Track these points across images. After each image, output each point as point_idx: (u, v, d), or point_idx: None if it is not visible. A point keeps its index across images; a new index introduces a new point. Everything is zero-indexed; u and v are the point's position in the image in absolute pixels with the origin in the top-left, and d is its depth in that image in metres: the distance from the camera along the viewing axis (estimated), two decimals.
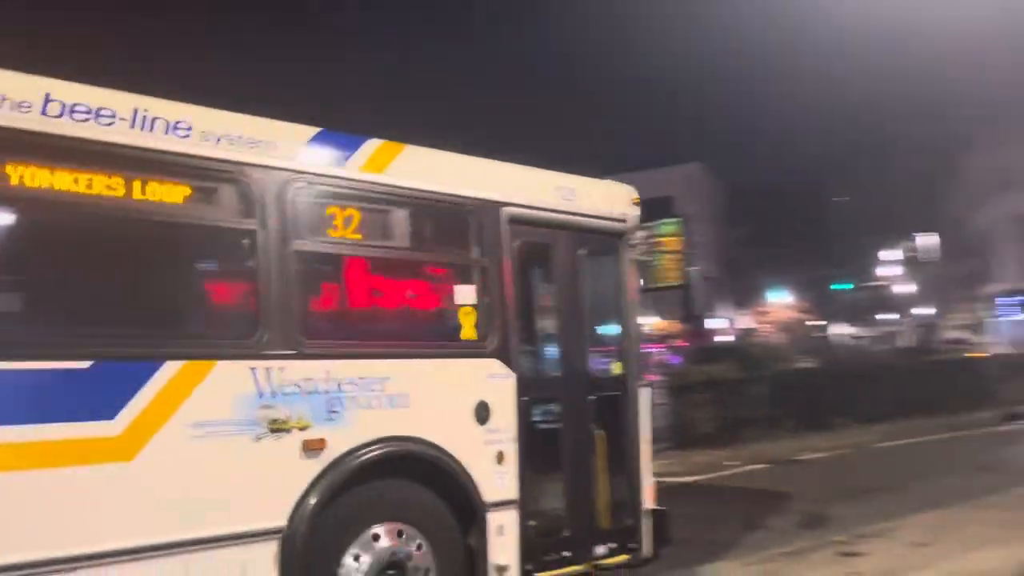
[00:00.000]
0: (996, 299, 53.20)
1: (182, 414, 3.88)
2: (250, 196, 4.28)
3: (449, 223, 5.29)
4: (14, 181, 3.61)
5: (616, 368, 6.11)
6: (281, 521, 4.15)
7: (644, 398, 6.13)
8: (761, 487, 10.97)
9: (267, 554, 4.08)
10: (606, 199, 6.05)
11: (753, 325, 53.82)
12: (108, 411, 3.69)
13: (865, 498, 9.57)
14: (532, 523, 5.23)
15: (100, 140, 3.81)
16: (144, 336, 4.04)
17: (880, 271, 49.78)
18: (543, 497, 5.50)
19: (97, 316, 4.01)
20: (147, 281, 4.20)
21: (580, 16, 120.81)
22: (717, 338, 51.45)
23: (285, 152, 4.42)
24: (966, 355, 22.19)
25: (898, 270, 49.34)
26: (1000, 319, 52.58)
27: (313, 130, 4.63)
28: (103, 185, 3.86)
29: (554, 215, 5.63)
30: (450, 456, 4.81)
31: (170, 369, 3.88)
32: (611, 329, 6.24)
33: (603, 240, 6.01)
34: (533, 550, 5.21)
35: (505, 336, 5.18)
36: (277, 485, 4.17)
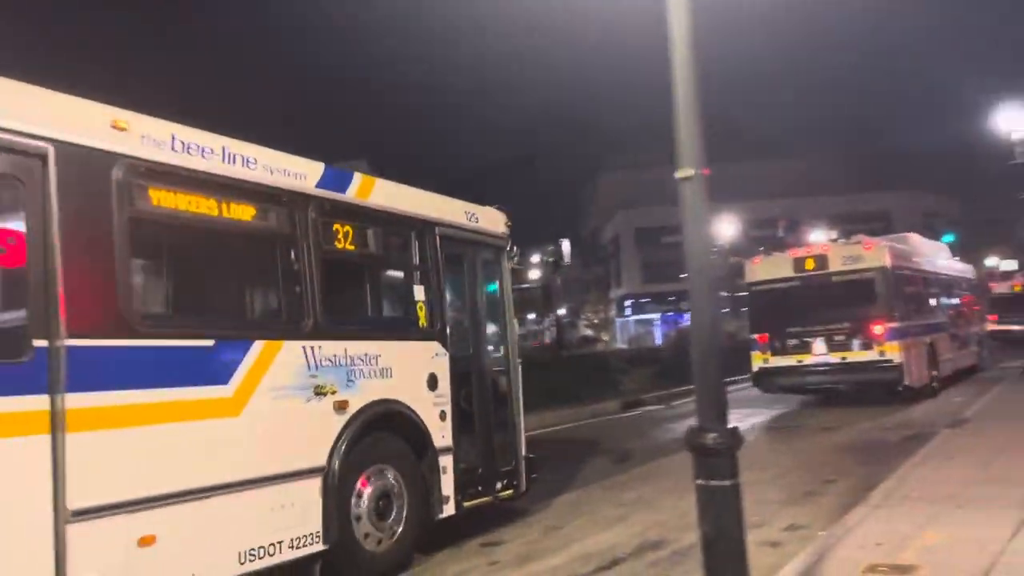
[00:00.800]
0: (622, 301, 60.71)
1: (266, 380, 5.33)
2: (294, 214, 5.79)
3: (407, 238, 6.96)
4: (155, 202, 4.89)
5: (502, 350, 8.07)
6: (323, 461, 5.69)
7: (519, 373, 8.06)
8: None
9: (316, 486, 5.60)
10: (492, 220, 7.98)
11: None
12: (224, 378, 5.07)
13: None
14: (462, 465, 7.08)
15: (206, 171, 5.16)
16: (243, 321, 5.86)
17: (532, 275, 53.74)
18: (465, 446, 7.25)
19: (214, 305, 5.81)
20: (239, 278, 6.03)
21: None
22: None
23: (311, 182, 5.97)
24: (596, 350, 24.66)
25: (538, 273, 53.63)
26: (623, 319, 60.25)
27: (323, 166, 6.14)
28: (205, 205, 5.18)
29: (466, 233, 7.55)
30: (415, 414, 6.59)
31: (258, 347, 5.31)
32: (497, 319, 8.09)
33: (493, 252, 8.00)
34: (461, 485, 7.03)
35: (443, 324, 7.03)
36: (320, 435, 5.72)
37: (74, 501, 4.13)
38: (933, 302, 18.32)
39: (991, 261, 53.33)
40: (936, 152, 68.63)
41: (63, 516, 4.08)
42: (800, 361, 15.72)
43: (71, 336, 4.20)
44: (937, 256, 20.41)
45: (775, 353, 16.03)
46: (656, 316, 56.28)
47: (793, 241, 30.80)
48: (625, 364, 23.39)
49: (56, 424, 4.11)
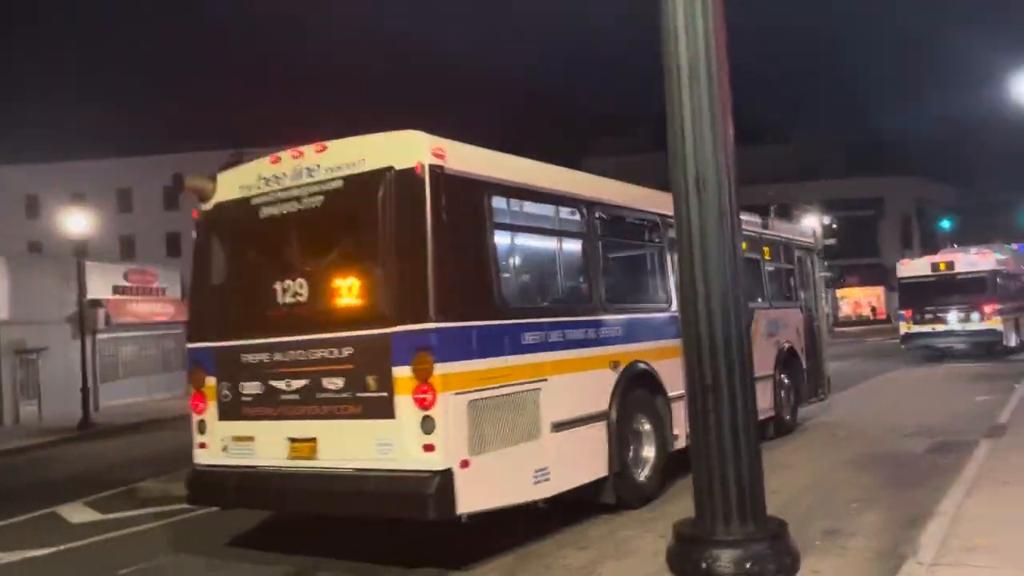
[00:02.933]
0: None
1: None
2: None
3: (790, 253, 12.75)
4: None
5: (818, 311, 13.81)
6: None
7: (824, 323, 14.30)
8: None
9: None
10: (813, 235, 14.59)
11: None
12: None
13: None
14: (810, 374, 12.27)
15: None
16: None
17: None
18: (810, 366, 12.41)
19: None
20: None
21: None
22: None
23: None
24: None
25: None
26: None
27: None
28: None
29: (806, 243, 13.63)
30: (797, 346, 11.68)
31: None
32: (815, 293, 13.71)
33: (814, 253, 13.93)
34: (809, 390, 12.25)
35: (802, 297, 12.73)
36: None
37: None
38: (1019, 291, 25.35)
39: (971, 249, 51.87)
40: (929, 139, 67.08)
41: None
42: (934, 328, 22.97)
43: None
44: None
45: (916, 323, 23.25)
46: None
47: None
48: None
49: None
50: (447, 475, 5.53)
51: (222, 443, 6.70)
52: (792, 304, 11.97)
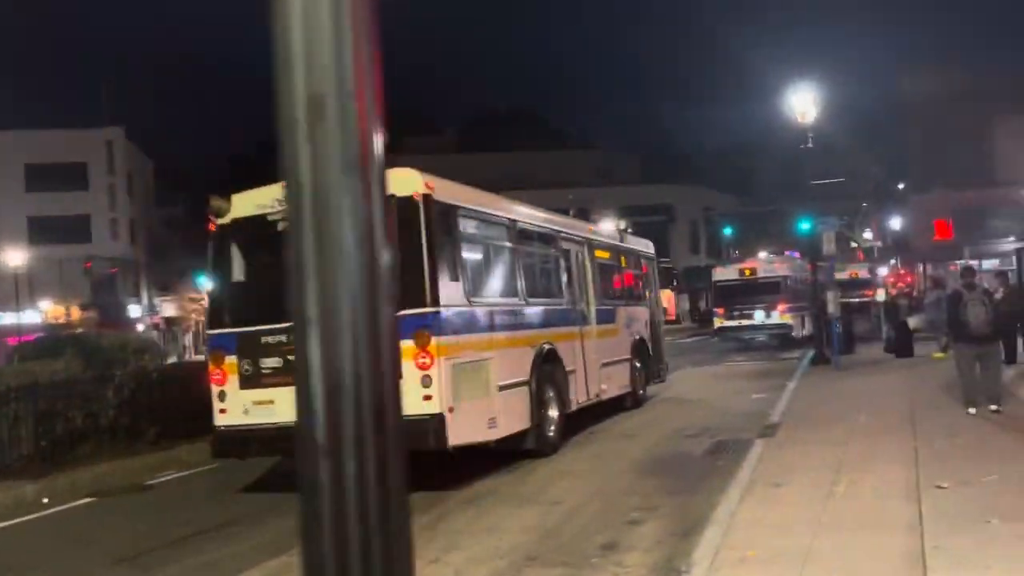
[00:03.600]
0: None
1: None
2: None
3: (637, 259, 15.55)
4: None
5: (660, 308, 19.08)
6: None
7: (663, 318, 18.65)
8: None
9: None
10: (650, 246, 16.42)
11: (179, 312, 49.39)
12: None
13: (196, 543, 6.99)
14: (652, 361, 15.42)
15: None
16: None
17: None
18: (656, 353, 15.58)
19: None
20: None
21: None
22: (140, 327, 45.94)
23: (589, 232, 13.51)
24: None
25: None
26: None
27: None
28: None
29: (650, 254, 16.35)
30: (646, 337, 14.55)
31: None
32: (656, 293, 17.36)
33: (654, 261, 17.21)
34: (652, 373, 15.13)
35: (646, 296, 15.61)
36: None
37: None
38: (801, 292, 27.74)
39: (762, 255, 56.32)
40: (717, 151, 72.15)
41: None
42: (740, 323, 26.72)
43: None
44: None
45: (727, 319, 26.85)
46: None
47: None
48: None
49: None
50: (441, 417, 7.73)
51: (243, 407, 8.47)
52: (642, 303, 15.06)
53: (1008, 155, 30.65)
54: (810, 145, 18.82)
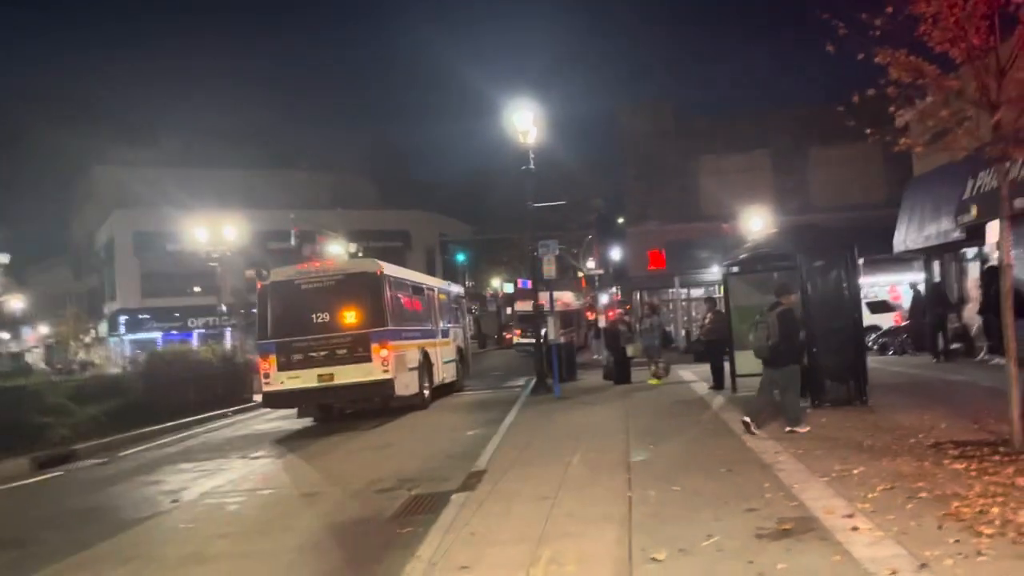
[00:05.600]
0: (119, 318, 51.19)
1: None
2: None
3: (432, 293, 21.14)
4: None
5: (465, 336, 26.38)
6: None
7: (468, 344, 27.86)
8: None
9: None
10: (456, 286, 25.66)
11: None
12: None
13: None
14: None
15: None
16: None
17: None
18: (463, 365, 24.10)
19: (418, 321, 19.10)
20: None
21: None
22: None
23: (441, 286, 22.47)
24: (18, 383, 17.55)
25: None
26: (117, 338, 50.76)
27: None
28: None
29: (455, 292, 24.50)
30: (428, 351, 19.00)
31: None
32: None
33: (458, 297, 24.81)
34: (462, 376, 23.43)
35: (450, 328, 22.47)
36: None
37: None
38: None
39: (496, 283, 56.97)
40: (452, 180, 72.61)
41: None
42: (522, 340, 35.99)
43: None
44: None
45: (523, 337, 34.02)
46: (158, 335, 48.24)
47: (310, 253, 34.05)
48: (67, 399, 17.00)
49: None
50: (391, 380, 15.43)
51: (280, 380, 15.61)
52: (459, 325, 23.02)
53: (710, 192, 32.94)
54: (531, 167, 18.14)
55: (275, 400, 15.85)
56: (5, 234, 56.53)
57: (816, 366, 11.49)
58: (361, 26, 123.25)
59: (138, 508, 9.46)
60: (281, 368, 15.41)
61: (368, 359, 15.24)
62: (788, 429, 9.49)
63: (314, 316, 15.55)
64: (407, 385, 16.17)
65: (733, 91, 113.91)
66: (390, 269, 16.94)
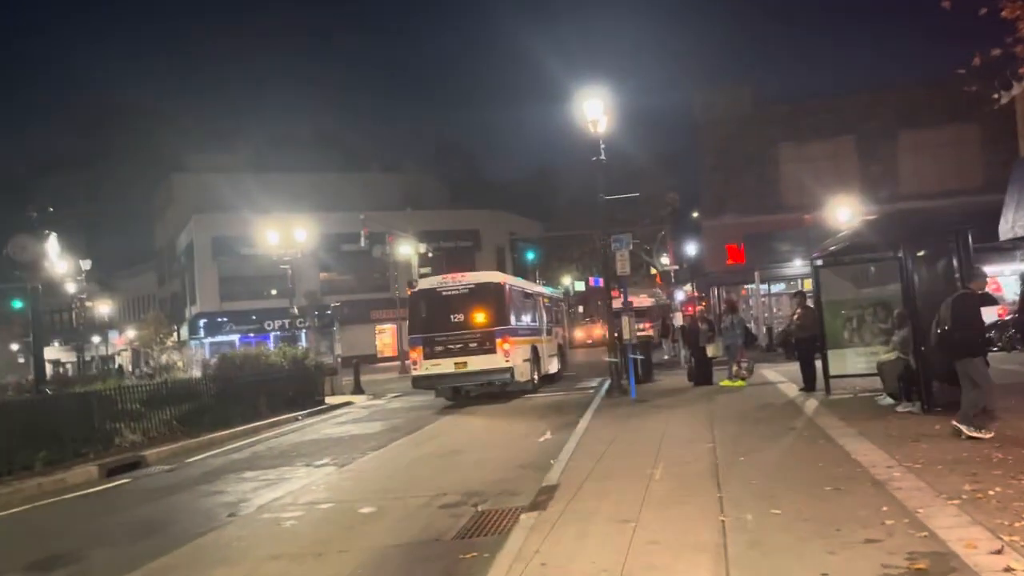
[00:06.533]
0: (199, 321, 52.29)
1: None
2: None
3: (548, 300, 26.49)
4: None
5: (563, 333, 30.75)
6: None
7: (566, 340, 33.00)
8: None
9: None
10: (557, 290, 35.00)
11: None
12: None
13: None
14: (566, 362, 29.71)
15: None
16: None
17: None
18: (560, 357, 27.78)
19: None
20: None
21: None
22: None
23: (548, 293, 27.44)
24: (89, 389, 17.61)
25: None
26: (198, 342, 51.89)
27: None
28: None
29: (557, 295, 29.77)
30: (537, 346, 22.97)
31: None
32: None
33: (560, 302, 29.69)
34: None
35: (550, 327, 26.15)
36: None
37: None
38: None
39: (567, 280, 56.04)
40: (522, 179, 72.02)
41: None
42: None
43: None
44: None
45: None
46: (236, 338, 49.04)
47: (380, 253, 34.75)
48: (140, 404, 16.95)
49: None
50: (512, 368, 19.05)
51: (425, 367, 19.33)
52: (560, 325, 26.82)
53: (790, 182, 31.37)
54: (603, 158, 17.27)
55: (421, 382, 19.66)
56: (94, 242, 58.65)
57: (924, 367, 10.35)
58: (434, 23, 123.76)
59: (195, 522, 9.03)
60: (426, 357, 19.24)
61: (493, 351, 18.81)
62: (955, 423, 8.48)
63: (452, 316, 19.31)
64: (523, 373, 19.59)
65: (815, 76, 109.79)
66: (510, 280, 22.05)
